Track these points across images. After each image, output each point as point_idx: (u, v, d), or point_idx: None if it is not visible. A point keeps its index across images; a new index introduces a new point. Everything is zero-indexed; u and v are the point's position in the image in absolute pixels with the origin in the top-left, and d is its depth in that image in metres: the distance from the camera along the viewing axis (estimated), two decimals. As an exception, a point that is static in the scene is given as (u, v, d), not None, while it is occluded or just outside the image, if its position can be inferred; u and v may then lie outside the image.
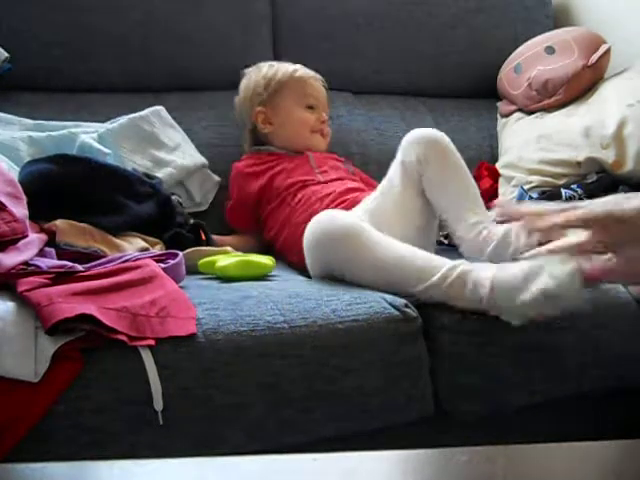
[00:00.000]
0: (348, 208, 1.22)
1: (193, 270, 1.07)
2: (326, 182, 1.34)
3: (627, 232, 0.70)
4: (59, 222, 1.01)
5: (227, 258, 1.07)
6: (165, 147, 1.41)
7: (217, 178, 1.45)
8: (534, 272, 0.87)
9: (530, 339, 0.98)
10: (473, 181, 1.18)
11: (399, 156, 1.19)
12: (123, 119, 1.39)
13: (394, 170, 1.20)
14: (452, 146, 1.17)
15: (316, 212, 1.10)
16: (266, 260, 1.09)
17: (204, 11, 1.57)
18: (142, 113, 1.41)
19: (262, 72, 1.47)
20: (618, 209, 0.70)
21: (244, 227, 1.41)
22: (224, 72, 1.59)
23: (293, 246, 1.20)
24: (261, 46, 1.64)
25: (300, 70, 1.48)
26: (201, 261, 1.09)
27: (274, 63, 1.50)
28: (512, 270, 0.90)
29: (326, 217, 1.03)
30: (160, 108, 1.45)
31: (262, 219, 1.38)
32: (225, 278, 1.04)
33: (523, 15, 1.82)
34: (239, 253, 1.15)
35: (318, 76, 1.50)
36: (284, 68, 1.48)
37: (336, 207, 1.23)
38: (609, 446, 0.50)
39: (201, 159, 1.44)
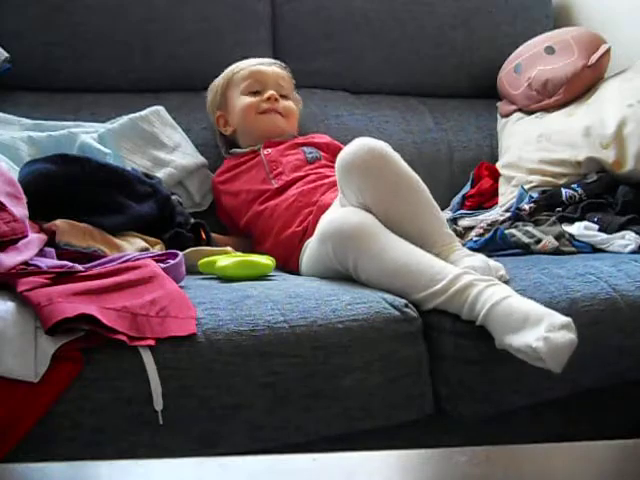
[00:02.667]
0: (317, 216, 1.20)
1: (193, 270, 1.07)
2: (282, 189, 1.30)
3: None
4: (59, 222, 1.01)
5: (227, 258, 1.07)
6: (165, 147, 1.41)
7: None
8: (533, 321, 0.86)
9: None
10: (426, 194, 1.06)
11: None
12: (123, 119, 1.40)
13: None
14: (390, 158, 1.04)
15: (283, 230, 1.22)
16: (266, 260, 1.09)
17: (204, 11, 1.57)
18: (142, 113, 1.41)
19: (218, 78, 1.49)
20: None
21: (236, 230, 1.41)
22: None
23: (278, 256, 1.18)
24: (261, 46, 1.64)
25: (245, 63, 1.47)
26: (201, 261, 1.09)
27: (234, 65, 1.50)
28: (513, 305, 0.88)
29: (339, 216, 1.04)
30: (160, 108, 1.45)
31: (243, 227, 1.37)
32: (225, 278, 1.04)
33: (523, 15, 1.82)
34: (239, 253, 1.15)
35: (270, 61, 1.49)
36: (232, 66, 1.48)
37: (301, 223, 1.22)
38: (609, 446, 0.50)
39: (201, 159, 1.44)
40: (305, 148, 1.40)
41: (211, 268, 1.06)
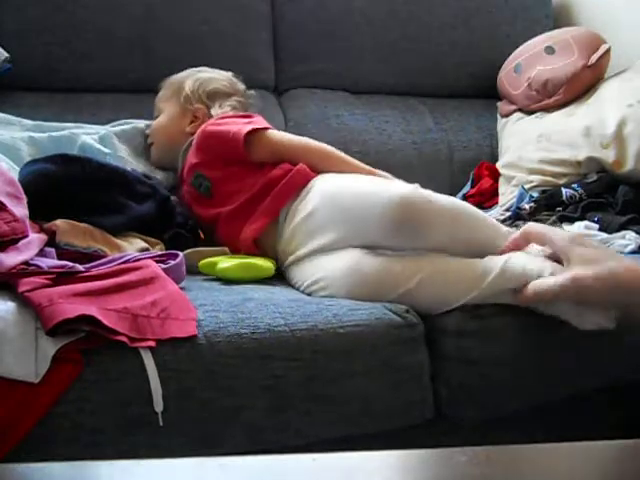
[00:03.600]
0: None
1: (193, 270, 1.07)
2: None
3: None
4: (59, 222, 1.00)
5: (228, 260, 1.07)
6: None
7: None
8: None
9: (529, 343, 0.98)
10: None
11: None
12: (126, 126, 1.39)
13: None
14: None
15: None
16: (267, 263, 1.08)
17: (204, 11, 1.57)
18: (143, 124, 1.40)
19: None
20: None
21: None
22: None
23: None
24: (261, 46, 1.64)
25: None
26: (201, 262, 1.08)
27: None
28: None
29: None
30: None
31: None
32: (225, 280, 1.04)
33: (523, 15, 1.82)
34: (239, 255, 1.14)
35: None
36: None
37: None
38: (609, 446, 0.50)
39: None
40: (193, 180, 1.23)
41: (212, 269, 1.06)
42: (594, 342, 1.02)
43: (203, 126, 1.27)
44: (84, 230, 1.02)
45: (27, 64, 1.45)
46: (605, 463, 0.49)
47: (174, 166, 1.34)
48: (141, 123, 1.41)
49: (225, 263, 1.05)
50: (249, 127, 1.20)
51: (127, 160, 1.33)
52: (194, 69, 1.43)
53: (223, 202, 1.18)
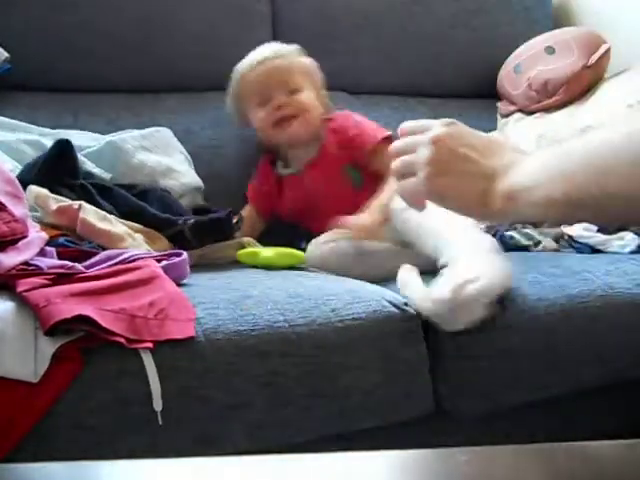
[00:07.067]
0: None
1: (227, 261, 1.18)
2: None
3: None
4: (84, 203, 1.05)
5: (268, 250, 1.19)
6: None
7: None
8: None
9: (527, 336, 0.98)
10: None
11: None
12: (118, 141, 1.32)
13: None
14: None
15: None
16: (299, 252, 1.18)
17: (204, 11, 1.57)
18: (128, 146, 1.32)
19: (229, 91, 1.44)
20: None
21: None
22: (224, 72, 1.59)
23: None
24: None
25: (245, 68, 1.40)
26: (241, 251, 1.19)
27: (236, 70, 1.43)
28: None
29: None
30: (159, 131, 1.41)
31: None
32: (266, 267, 1.14)
33: (523, 15, 1.82)
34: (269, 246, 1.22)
35: (273, 53, 1.39)
36: (235, 79, 1.42)
37: None
38: (609, 446, 0.50)
39: (194, 182, 1.38)
40: (348, 168, 1.34)
41: (253, 258, 1.17)
42: (593, 337, 1.02)
43: (353, 119, 1.36)
44: (104, 216, 1.07)
45: (27, 64, 1.45)
46: (605, 463, 0.49)
47: (295, 146, 1.37)
48: (126, 143, 1.33)
49: (267, 252, 1.17)
50: (386, 133, 1.32)
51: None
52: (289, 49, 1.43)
53: (372, 190, 1.25)
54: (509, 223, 1.37)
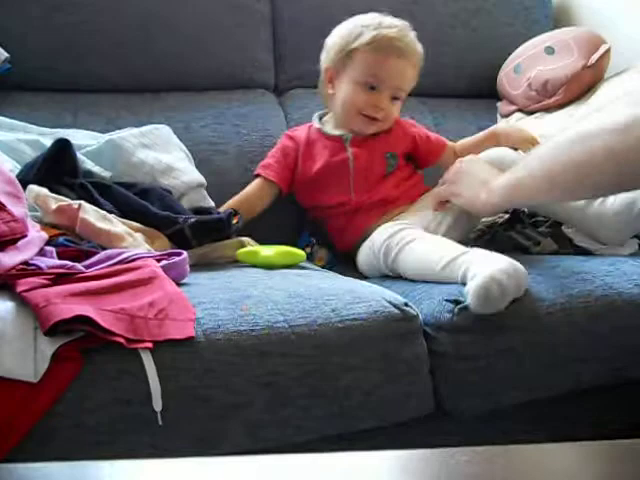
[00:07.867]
0: None
1: (226, 260, 1.18)
2: (358, 209, 1.31)
3: None
4: (84, 202, 1.05)
5: (268, 248, 1.19)
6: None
7: (211, 203, 1.36)
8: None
9: (527, 336, 0.98)
10: None
11: None
12: (118, 139, 1.31)
13: None
14: None
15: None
16: (299, 250, 1.20)
17: (204, 11, 1.57)
18: (128, 145, 1.31)
19: (342, 31, 1.37)
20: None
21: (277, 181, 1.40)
22: (224, 72, 1.60)
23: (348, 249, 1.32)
24: (261, 46, 1.64)
25: (379, 41, 1.32)
26: (240, 251, 1.18)
27: (360, 21, 1.36)
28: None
29: None
30: (156, 128, 1.39)
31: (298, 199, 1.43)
32: (265, 267, 1.13)
33: (523, 15, 1.82)
34: (269, 245, 1.22)
35: (405, 39, 1.35)
36: (364, 34, 1.32)
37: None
38: (609, 446, 0.50)
39: (195, 179, 1.36)
40: (388, 155, 1.36)
41: (251, 257, 1.16)
42: (593, 337, 1.02)
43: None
44: (104, 216, 1.06)
45: (27, 64, 1.45)
46: (605, 463, 0.49)
47: None
48: (128, 141, 1.32)
49: (267, 251, 1.17)
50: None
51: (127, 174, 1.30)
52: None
53: (394, 182, 1.36)
54: (508, 224, 1.37)
